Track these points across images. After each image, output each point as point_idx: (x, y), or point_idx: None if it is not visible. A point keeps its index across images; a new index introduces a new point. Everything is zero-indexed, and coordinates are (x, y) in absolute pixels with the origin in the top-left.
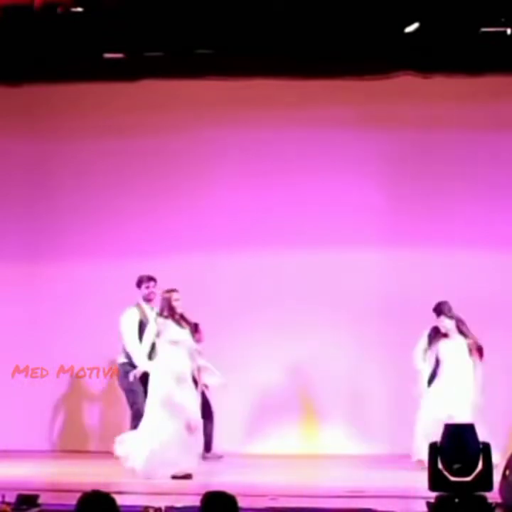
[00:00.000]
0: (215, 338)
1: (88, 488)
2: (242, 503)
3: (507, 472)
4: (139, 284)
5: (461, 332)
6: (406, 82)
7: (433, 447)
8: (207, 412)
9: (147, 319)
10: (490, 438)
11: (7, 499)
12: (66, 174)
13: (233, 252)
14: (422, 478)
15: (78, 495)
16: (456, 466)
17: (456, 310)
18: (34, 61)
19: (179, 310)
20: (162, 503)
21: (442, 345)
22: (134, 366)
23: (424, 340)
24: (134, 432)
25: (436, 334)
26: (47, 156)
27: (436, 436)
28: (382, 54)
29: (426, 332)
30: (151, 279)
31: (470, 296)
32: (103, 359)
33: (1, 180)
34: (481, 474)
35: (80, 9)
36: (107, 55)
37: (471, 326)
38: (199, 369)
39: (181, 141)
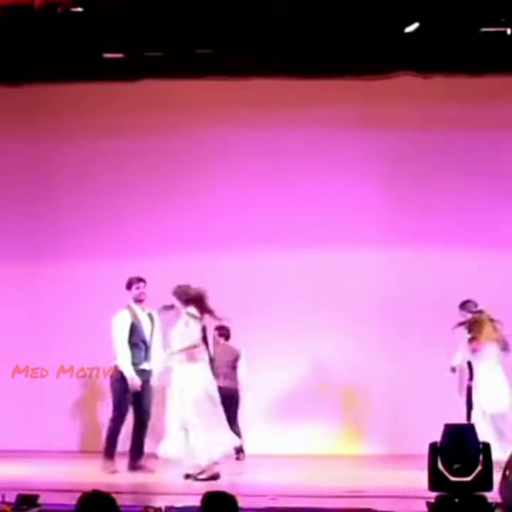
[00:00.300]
0: None
1: (88, 488)
2: (242, 503)
3: (507, 472)
4: (128, 285)
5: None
6: (406, 82)
7: (433, 447)
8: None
9: (139, 320)
10: None
11: (7, 499)
12: (66, 174)
13: (233, 252)
14: (422, 478)
15: (78, 495)
16: (456, 466)
17: (456, 309)
18: (34, 61)
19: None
20: (162, 503)
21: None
22: (137, 372)
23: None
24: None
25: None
26: (47, 155)
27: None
28: (382, 54)
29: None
30: (140, 280)
31: (470, 296)
32: (103, 359)
33: (1, 180)
34: (481, 474)
35: (80, 9)
36: (107, 55)
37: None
38: None
39: (181, 141)
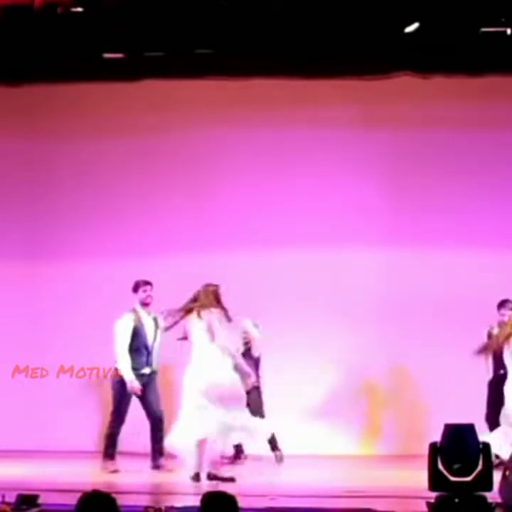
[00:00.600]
0: None
1: (88, 488)
2: (242, 503)
3: (507, 472)
4: (135, 288)
5: None
6: (406, 82)
7: (433, 447)
8: None
9: (142, 325)
10: None
11: (7, 499)
12: (66, 174)
13: (233, 252)
14: (422, 478)
15: (78, 495)
16: (456, 466)
17: (457, 310)
18: (34, 61)
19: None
20: (162, 503)
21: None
22: (137, 376)
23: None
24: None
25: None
26: (47, 155)
27: None
28: (382, 54)
29: None
30: (147, 283)
31: (470, 295)
32: (103, 359)
33: (0, 180)
34: (481, 474)
35: (80, 9)
36: (107, 55)
37: (471, 325)
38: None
39: (181, 141)
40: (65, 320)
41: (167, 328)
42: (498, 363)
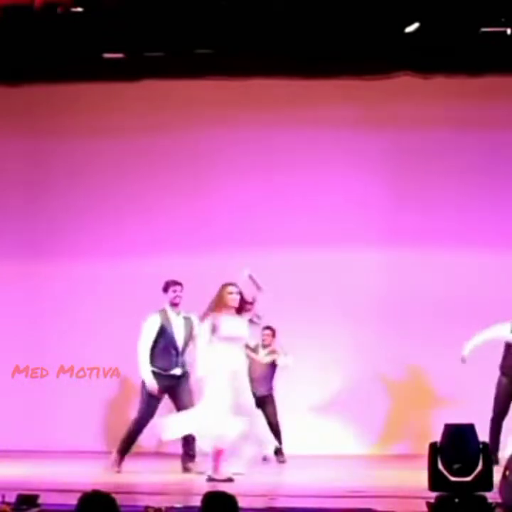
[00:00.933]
0: None
1: (88, 488)
2: (242, 503)
3: (507, 472)
4: (165, 288)
5: None
6: (406, 82)
7: (433, 447)
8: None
9: (170, 324)
10: None
11: (7, 499)
12: (66, 174)
13: (231, 252)
14: (422, 478)
15: (78, 495)
16: (456, 466)
17: (457, 309)
18: (34, 61)
19: (234, 304)
20: (162, 503)
21: None
22: (162, 375)
23: None
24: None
25: None
26: (46, 155)
27: None
28: (382, 54)
29: None
30: (177, 283)
31: (470, 295)
32: (103, 359)
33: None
34: (481, 474)
35: (80, 9)
36: (107, 55)
37: (471, 325)
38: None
39: (181, 141)
40: (64, 320)
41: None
42: None
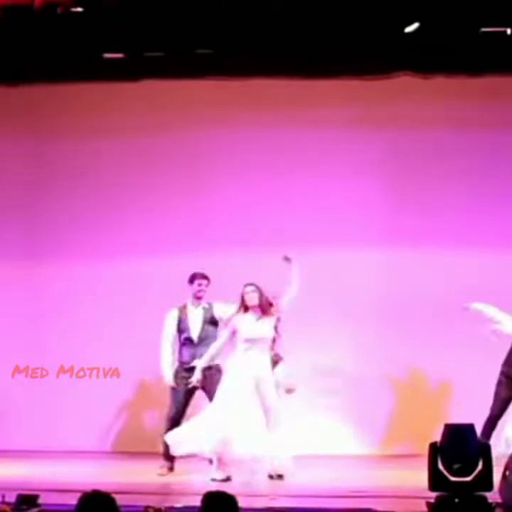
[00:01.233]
0: None
1: (88, 488)
2: (242, 503)
3: (507, 472)
4: (191, 280)
5: None
6: (406, 82)
7: (433, 447)
8: None
9: (186, 317)
10: None
11: (7, 499)
12: (66, 174)
13: (231, 253)
14: (422, 478)
15: (78, 495)
16: (456, 466)
17: (457, 309)
18: (34, 61)
19: (251, 302)
20: (162, 503)
21: None
22: (184, 370)
23: None
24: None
25: None
26: (46, 155)
27: None
28: (382, 54)
29: None
30: (204, 277)
31: (470, 296)
32: (103, 359)
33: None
34: (481, 474)
35: (80, 9)
36: (107, 55)
37: (471, 325)
38: None
39: (181, 141)
40: (64, 320)
41: None
42: None
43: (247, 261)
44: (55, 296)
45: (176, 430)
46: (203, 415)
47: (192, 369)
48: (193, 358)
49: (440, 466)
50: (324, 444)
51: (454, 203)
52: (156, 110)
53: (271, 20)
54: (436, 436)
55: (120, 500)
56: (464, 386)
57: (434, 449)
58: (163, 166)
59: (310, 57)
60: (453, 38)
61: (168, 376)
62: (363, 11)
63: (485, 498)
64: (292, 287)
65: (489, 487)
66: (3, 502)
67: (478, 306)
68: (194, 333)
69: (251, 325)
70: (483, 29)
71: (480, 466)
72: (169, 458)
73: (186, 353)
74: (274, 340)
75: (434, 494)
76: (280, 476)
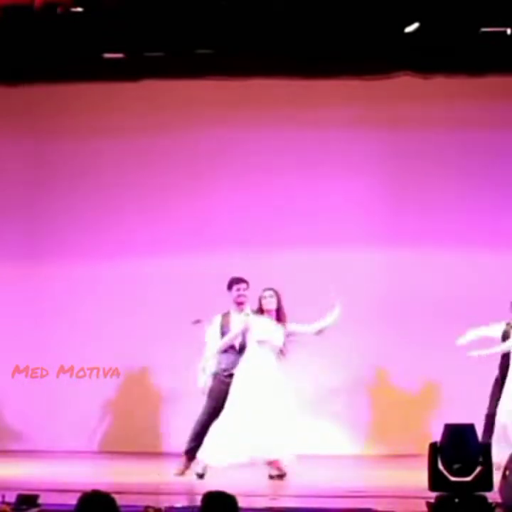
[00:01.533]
0: None
1: (88, 488)
2: (242, 503)
3: (507, 472)
4: (229, 286)
5: None
6: (406, 82)
7: (433, 447)
8: None
9: (229, 325)
10: None
11: (7, 499)
12: (66, 174)
13: (231, 253)
14: (422, 478)
15: (78, 495)
16: (456, 466)
17: (457, 309)
18: (34, 61)
19: (267, 307)
20: (162, 503)
21: None
22: (224, 376)
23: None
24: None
25: None
26: (46, 156)
27: None
28: (382, 54)
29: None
30: (241, 280)
31: (470, 295)
32: (103, 359)
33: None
34: (481, 474)
35: (80, 9)
36: (107, 55)
37: (471, 325)
38: None
39: (181, 141)
40: (64, 320)
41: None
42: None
43: (247, 261)
44: (55, 296)
45: (206, 445)
46: (225, 422)
47: (231, 376)
48: (234, 365)
49: (440, 466)
50: (324, 444)
51: (454, 203)
52: (156, 110)
53: (271, 20)
54: (436, 436)
55: (120, 500)
56: (464, 386)
57: (434, 449)
58: (163, 166)
59: (310, 57)
60: (453, 38)
61: (200, 381)
62: (362, 11)
63: (485, 498)
64: (310, 328)
65: (489, 487)
66: (3, 502)
67: (468, 336)
68: (237, 341)
69: (264, 327)
70: (483, 29)
71: (480, 466)
72: (190, 458)
73: (227, 360)
74: (282, 352)
75: (434, 494)
76: (280, 476)
